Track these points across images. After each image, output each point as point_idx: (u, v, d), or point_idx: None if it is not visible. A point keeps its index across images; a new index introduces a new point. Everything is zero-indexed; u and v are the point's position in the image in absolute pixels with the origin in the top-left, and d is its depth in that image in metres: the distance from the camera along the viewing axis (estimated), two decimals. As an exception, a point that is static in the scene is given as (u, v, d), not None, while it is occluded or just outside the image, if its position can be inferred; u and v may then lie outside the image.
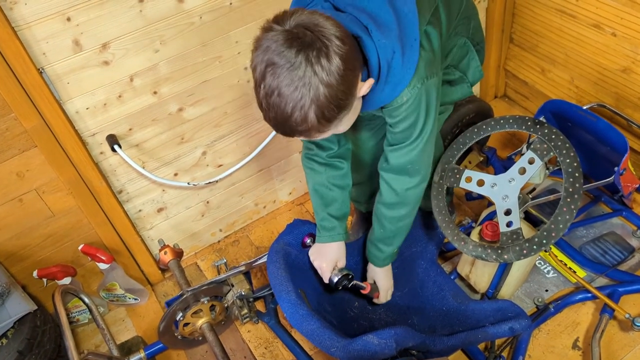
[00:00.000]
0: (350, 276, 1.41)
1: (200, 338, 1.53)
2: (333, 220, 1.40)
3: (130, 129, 1.53)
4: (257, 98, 1.00)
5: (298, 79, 0.92)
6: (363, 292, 1.47)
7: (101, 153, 1.53)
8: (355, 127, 1.54)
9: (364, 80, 1.06)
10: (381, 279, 1.49)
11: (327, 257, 1.41)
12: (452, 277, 1.63)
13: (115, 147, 1.48)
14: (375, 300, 1.52)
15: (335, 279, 1.39)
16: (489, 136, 1.56)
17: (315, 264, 1.42)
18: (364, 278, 1.56)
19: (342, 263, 1.43)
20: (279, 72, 0.93)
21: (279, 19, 0.96)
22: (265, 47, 0.94)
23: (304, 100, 0.94)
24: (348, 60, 0.96)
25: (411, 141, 1.21)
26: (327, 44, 0.93)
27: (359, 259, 1.61)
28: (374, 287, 1.49)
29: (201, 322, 1.48)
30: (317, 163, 1.38)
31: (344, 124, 1.09)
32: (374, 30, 1.04)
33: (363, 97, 1.11)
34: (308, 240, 1.46)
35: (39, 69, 1.29)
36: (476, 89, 2.32)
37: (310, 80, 0.93)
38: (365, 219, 1.85)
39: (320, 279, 1.44)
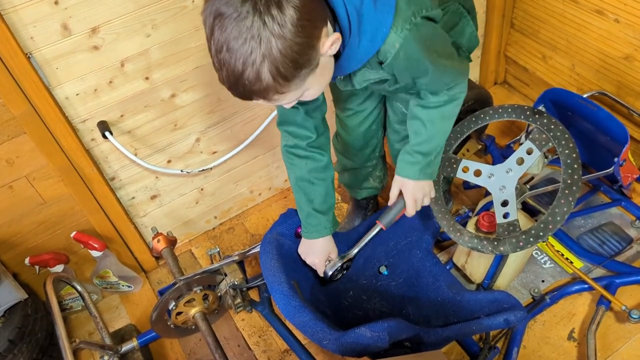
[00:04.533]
0: (345, 265, 1.39)
1: (194, 327, 1.52)
2: (318, 215, 1.35)
3: (121, 116, 1.50)
4: (211, 57, 0.91)
5: (246, 31, 0.83)
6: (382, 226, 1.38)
7: (92, 140, 1.50)
8: (344, 113, 1.51)
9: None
10: (409, 190, 1.32)
11: (318, 253, 1.38)
12: (447, 267, 1.61)
13: (107, 133, 1.45)
14: (405, 213, 1.38)
15: (330, 272, 1.38)
16: (487, 124, 1.54)
17: (308, 260, 1.40)
18: (359, 266, 1.54)
19: (334, 254, 1.41)
20: (226, 24, 0.84)
21: None
22: None
23: (255, 55, 0.84)
24: (305, 10, 0.86)
25: (431, 74, 1.12)
26: None
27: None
28: (393, 209, 1.37)
29: (194, 311, 1.46)
30: (296, 157, 1.32)
31: (311, 88, 0.98)
32: None
33: (338, 57, 1.02)
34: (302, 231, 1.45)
35: (26, 54, 1.26)
36: (475, 75, 2.29)
37: (260, 32, 0.83)
38: (361, 207, 1.83)
39: (313, 269, 1.42)
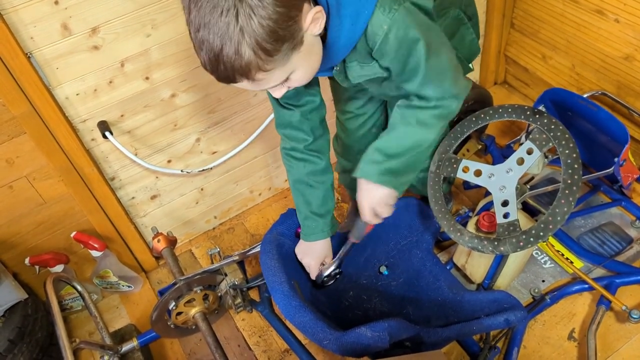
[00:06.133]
0: (337, 275, 1.40)
1: (194, 327, 1.52)
2: (316, 218, 1.35)
3: (121, 115, 1.50)
4: (192, 42, 0.87)
5: (222, 3, 0.79)
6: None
7: (92, 140, 1.50)
8: (344, 115, 1.51)
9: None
10: (364, 193, 1.20)
11: (314, 255, 1.38)
12: (448, 267, 1.61)
13: (107, 133, 1.45)
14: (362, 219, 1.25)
15: (322, 278, 1.38)
16: (487, 124, 1.53)
17: (304, 262, 1.40)
18: (359, 266, 1.54)
19: (329, 259, 1.41)
20: (201, 2, 0.80)
21: None
22: None
23: (231, 28, 0.80)
24: None
25: (423, 70, 1.02)
26: None
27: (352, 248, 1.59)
28: (361, 222, 1.28)
29: (194, 311, 1.46)
30: (294, 159, 1.31)
31: (298, 69, 0.93)
32: None
33: (326, 46, 0.97)
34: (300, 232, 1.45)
35: (26, 54, 1.26)
36: (476, 75, 2.29)
37: (236, 4, 0.79)
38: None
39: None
